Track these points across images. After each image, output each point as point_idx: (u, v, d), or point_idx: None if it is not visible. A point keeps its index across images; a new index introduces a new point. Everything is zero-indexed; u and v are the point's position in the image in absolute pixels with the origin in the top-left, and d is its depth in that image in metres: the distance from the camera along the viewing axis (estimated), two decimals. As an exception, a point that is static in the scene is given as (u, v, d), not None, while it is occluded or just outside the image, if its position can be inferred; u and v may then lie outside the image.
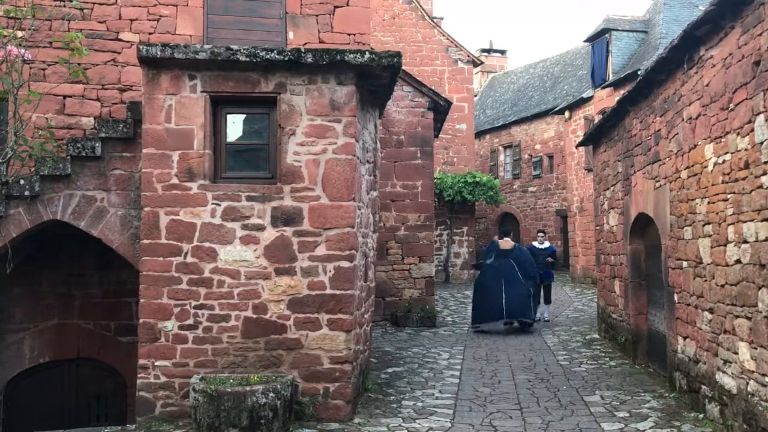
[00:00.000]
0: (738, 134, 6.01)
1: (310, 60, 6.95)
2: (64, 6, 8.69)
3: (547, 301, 14.46)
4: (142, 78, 7.16)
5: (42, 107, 8.22)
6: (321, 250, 7.04)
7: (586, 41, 22.47)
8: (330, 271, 7.04)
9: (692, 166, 7.20)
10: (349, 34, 9.40)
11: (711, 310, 6.72)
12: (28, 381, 8.79)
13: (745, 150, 5.86)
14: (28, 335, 8.73)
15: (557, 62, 29.47)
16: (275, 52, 6.97)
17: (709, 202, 6.73)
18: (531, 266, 12.96)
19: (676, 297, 7.85)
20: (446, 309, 15.71)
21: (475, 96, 28.98)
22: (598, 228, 12.73)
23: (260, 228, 7.02)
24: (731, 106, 6.15)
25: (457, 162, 22.65)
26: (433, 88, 15.43)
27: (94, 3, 8.93)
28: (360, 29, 9.47)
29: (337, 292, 7.04)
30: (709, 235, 6.74)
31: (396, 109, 13.61)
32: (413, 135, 13.80)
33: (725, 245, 6.34)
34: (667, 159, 8.10)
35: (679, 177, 7.62)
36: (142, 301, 7.02)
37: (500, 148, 28.92)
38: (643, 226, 9.69)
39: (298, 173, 7.05)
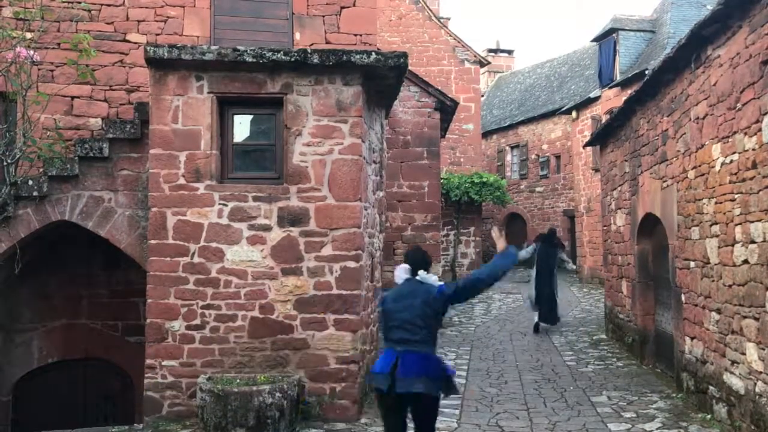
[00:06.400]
0: (745, 134, 5.99)
1: (316, 61, 6.96)
2: (72, 7, 8.74)
3: None
4: (150, 79, 7.19)
5: (50, 108, 8.26)
6: (327, 251, 7.05)
7: (593, 41, 22.40)
8: (336, 272, 7.05)
9: (699, 166, 7.18)
10: (355, 35, 9.41)
11: (718, 311, 6.70)
12: (36, 381, 8.83)
13: (753, 150, 5.84)
14: (37, 335, 8.77)
15: (564, 62, 29.39)
16: (282, 52, 6.98)
17: (716, 202, 6.71)
18: None
19: (683, 297, 7.83)
20: (452, 309, 15.68)
21: (482, 96, 28.92)
22: (605, 228, 12.69)
23: (267, 228, 7.04)
24: (738, 105, 6.13)
25: (463, 162, 22.60)
26: (439, 88, 15.41)
27: (101, 4, 8.98)
28: (366, 30, 9.47)
29: (344, 292, 7.05)
30: (717, 236, 6.72)
31: (403, 110, 13.60)
32: (420, 135, 13.78)
33: (733, 245, 6.31)
34: (675, 159, 8.07)
35: (687, 177, 7.59)
36: (149, 301, 7.05)
37: (507, 148, 28.86)
38: (650, 227, 9.66)
39: (304, 173, 7.07)
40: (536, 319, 12.95)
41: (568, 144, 25.01)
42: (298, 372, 6.96)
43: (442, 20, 23.02)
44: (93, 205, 7.60)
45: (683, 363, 7.84)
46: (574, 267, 16.00)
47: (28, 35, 7.88)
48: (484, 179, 20.55)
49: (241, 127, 7.42)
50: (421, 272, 4.92)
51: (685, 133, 7.67)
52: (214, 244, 7.03)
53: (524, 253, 13.14)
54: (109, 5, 9.00)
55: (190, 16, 9.15)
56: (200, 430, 6.57)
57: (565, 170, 25.59)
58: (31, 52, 7.37)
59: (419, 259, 5.00)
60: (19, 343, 8.70)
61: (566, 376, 9.25)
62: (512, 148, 28.70)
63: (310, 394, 6.97)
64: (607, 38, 20.93)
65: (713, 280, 6.83)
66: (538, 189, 27.12)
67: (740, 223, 6.13)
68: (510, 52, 35.22)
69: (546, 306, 12.86)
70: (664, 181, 8.54)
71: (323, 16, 9.38)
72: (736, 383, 6.28)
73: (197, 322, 7.00)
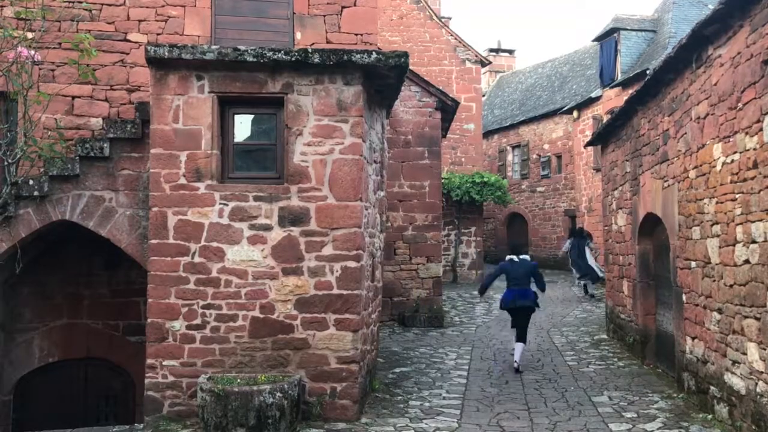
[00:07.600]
0: (746, 134, 5.98)
1: (317, 60, 6.96)
2: (73, 7, 8.74)
3: None
4: (150, 78, 7.19)
5: (51, 108, 8.26)
6: (328, 250, 7.05)
7: (594, 41, 22.40)
8: (337, 271, 7.05)
9: (700, 165, 7.17)
10: (356, 34, 9.41)
11: (719, 311, 6.69)
12: (37, 380, 8.83)
13: (754, 149, 5.83)
14: (38, 335, 8.78)
15: (566, 62, 29.36)
16: (282, 52, 6.99)
17: (717, 202, 6.70)
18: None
19: (684, 297, 7.82)
20: (454, 309, 15.69)
21: (483, 96, 28.90)
22: (606, 228, 12.69)
23: (267, 228, 7.04)
24: (739, 105, 6.13)
25: (464, 162, 22.58)
26: (441, 88, 15.40)
27: (102, 4, 8.98)
28: (367, 29, 9.47)
29: (344, 292, 7.05)
30: (718, 235, 6.71)
31: (404, 109, 13.60)
32: (421, 135, 13.79)
33: (734, 245, 6.31)
34: (676, 159, 8.06)
35: (688, 177, 7.59)
36: (150, 300, 7.05)
37: (508, 148, 28.84)
38: (651, 226, 9.66)
39: (305, 173, 7.07)
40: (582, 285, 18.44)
41: (569, 144, 24.99)
42: (298, 372, 6.96)
43: (443, 20, 23.02)
44: (94, 204, 7.60)
45: (684, 363, 7.83)
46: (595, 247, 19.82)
47: (30, 35, 7.88)
48: (485, 179, 20.53)
49: (242, 126, 7.42)
50: (521, 256, 10.11)
51: (686, 133, 7.66)
52: (214, 244, 7.03)
53: (566, 246, 19.15)
54: (110, 5, 9.01)
55: (190, 16, 9.15)
56: (201, 429, 6.57)
57: (566, 170, 25.57)
58: (32, 52, 7.37)
59: (520, 247, 10.57)
60: (19, 342, 8.70)
61: (567, 376, 9.25)
62: (513, 147, 28.67)
63: (310, 394, 6.98)
64: (608, 38, 20.93)
65: (714, 280, 6.83)
66: (539, 189, 27.10)
67: (741, 223, 6.13)
68: (511, 51, 35.20)
69: (584, 270, 18.05)
70: (665, 181, 8.53)
71: (324, 16, 9.38)
72: (737, 383, 6.27)
73: (198, 321, 7.00)
